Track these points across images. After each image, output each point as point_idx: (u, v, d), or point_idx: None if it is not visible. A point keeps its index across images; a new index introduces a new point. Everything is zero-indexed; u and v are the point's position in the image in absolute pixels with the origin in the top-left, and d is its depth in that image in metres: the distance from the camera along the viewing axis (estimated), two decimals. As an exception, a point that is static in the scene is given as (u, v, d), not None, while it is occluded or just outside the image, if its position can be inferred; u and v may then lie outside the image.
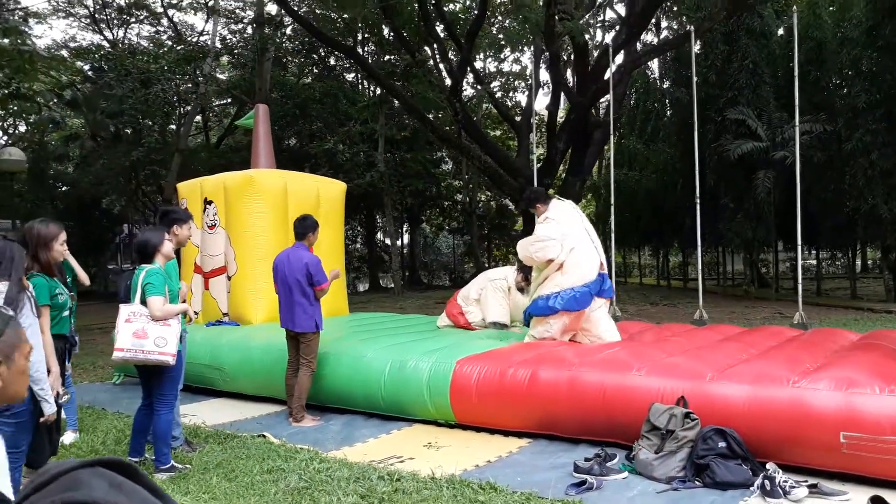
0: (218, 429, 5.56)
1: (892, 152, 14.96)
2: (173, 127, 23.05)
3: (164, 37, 24.26)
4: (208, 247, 8.01)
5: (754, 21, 18.06)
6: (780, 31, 19.61)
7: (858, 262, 27.43)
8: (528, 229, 10.16)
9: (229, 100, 24.89)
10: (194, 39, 24.39)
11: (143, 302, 4.32)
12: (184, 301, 4.86)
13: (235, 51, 23.59)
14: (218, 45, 22.98)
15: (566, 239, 5.99)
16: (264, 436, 5.24)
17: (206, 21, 23.81)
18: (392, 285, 24.50)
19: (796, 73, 9.91)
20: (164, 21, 24.04)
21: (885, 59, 14.96)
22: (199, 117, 24.99)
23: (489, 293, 7.39)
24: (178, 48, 21.84)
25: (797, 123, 10.01)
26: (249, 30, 23.45)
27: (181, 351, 4.64)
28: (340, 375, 5.94)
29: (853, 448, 3.89)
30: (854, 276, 19.85)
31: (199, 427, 5.59)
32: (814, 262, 23.83)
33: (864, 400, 3.96)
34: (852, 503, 3.74)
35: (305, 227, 5.79)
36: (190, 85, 21.06)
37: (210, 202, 8.08)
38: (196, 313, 7.92)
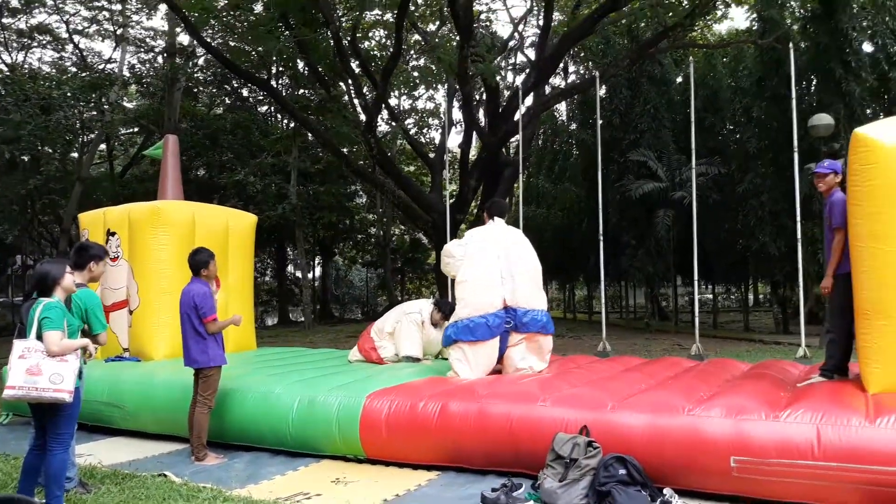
0: (115, 468, 5.32)
1: (779, 195, 16.02)
2: (75, 155, 22.12)
3: (69, 63, 23.40)
4: (110, 280, 7.71)
5: (655, 69, 19.13)
6: (679, 79, 20.81)
7: (751, 297, 28.97)
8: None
9: (136, 129, 24.17)
10: (101, 66, 23.65)
11: (39, 337, 4.14)
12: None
13: (144, 80, 22.99)
14: (126, 73, 22.35)
15: (464, 263, 6.12)
16: (165, 475, 5.06)
17: (115, 49, 23.17)
18: (302, 319, 24.12)
19: (693, 118, 10.55)
20: (69, 47, 23.22)
21: (772, 109, 16.07)
22: (103, 146, 24.12)
23: (403, 327, 7.39)
24: (84, 75, 21.11)
25: (694, 165, 10.63)
26: (160, 59, 22.95)
27: (79, 387, 4.45)
28: (246, 412, 5.80)
29: (743, 471, 4.11)
30: (747, 310, 20.97)
31: (96, 467, 5.33)
32: (710, 296, 25.05)
33: (752, 426, 4.20)
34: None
35: (197, 262, 5.70)
36: (95, 112, 20.33)
37: (113, 233, 7.82)
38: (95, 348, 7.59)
